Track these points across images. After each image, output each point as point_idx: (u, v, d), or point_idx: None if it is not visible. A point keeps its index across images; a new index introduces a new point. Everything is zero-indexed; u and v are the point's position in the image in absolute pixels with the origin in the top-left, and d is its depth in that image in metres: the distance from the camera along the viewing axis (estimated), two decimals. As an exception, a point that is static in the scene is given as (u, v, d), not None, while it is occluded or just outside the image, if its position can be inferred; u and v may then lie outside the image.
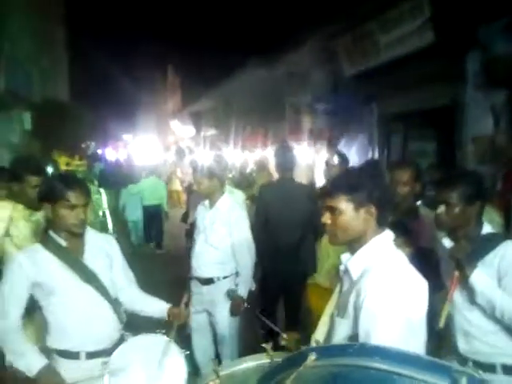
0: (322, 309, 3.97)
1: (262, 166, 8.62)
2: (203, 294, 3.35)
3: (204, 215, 3.38)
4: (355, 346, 0.98)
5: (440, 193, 2.04)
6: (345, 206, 1.53)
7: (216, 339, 3.45)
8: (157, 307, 2.29)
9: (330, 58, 7.43)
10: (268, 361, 1.29)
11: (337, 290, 1.68)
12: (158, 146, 25.02)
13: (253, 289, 3.53)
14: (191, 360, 1.99)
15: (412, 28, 5.21)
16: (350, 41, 6.54)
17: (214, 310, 3.34)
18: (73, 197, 2.00)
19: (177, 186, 15.06)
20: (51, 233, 2.09)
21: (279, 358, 1.29)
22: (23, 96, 10.69)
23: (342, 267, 1.61)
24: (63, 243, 2.07)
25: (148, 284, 2.53)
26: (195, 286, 3.41)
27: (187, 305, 2.31)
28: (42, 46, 13.28)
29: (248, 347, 3.89)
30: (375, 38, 5.90)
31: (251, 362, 1.31)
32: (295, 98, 10.92)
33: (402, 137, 6.55)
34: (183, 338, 2.11)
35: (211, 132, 19.99)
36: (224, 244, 3.29)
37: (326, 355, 0.97)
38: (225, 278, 3.32)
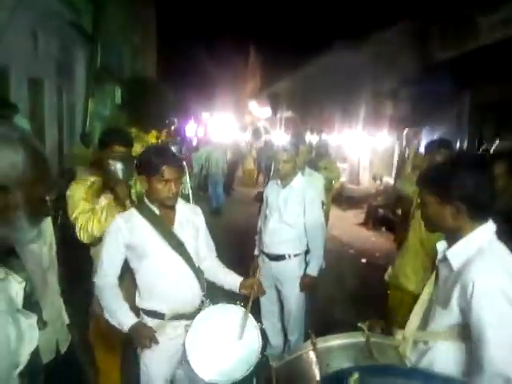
0: (402, 310, 3.55)
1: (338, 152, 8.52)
2: (271, 269, 3.45)
3: (277, 194, 3.45)
4: (403, 369, 0.97)
5: None
6: (428, 199, 1.54)
7: (283, 313, 3.56)
8: (231, 279, 2.36)
9: (421, 40, 7.03)
10: (363, 340, 1.30)
11: (432, 278, 1.66)
12: (235, 125, 25.47)
13: (323, 267, 3.59)
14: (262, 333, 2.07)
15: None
16: (446, 23, 6.13)
17: (282, 285, 3.45)
18: (167, 172, 2.11)
19: (251, 165, 15.24)
20: (146, 201, 2.24)
21: (375, 338, 1.30)
22: (115, 72, 11.40)
23: (439, 256, 1.60)
24: (157, 211, 2.22)
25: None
26: (263, 262, 3.53)
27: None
28: (134, 25, 13.96)
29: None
30: (475, 21, 5.49)
31: (346, 340, 1.33)
32: (377, 81, 10.54)
33: (495, 128, 6.08)
34: (254, 312, 2.17)
35: (288, 114, 19.93)
36: (298, 222, 3.37)
37: (369, 374, 0.97)
38: (296, 255, 3.40)
